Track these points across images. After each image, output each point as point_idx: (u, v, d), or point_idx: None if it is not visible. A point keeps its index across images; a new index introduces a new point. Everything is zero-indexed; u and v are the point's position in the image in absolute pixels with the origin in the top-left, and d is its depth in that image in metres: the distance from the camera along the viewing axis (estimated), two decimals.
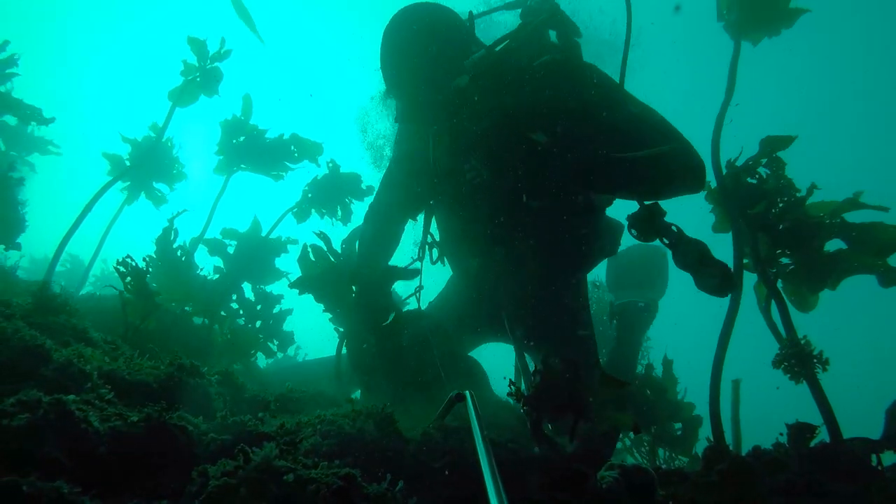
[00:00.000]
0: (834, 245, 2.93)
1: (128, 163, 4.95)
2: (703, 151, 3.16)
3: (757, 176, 2.99)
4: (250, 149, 5.09)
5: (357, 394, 4.38)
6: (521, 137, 2.71)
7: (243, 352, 4.01)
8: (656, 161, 2.50)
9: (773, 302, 2.90)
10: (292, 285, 3.47)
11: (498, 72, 2.76)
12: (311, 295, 3.47)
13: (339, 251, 3.61)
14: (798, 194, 2.90)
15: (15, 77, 4.69)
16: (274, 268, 4.58)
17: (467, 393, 1.59)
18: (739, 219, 3.03)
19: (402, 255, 3.64)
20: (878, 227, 2.78)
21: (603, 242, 3.23)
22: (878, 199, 2.81)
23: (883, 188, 3.00)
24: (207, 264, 4.31)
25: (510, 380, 2.08)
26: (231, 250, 4.61)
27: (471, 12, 3.06)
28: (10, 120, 4.94)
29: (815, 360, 2.55)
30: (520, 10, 3.01)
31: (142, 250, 3.48)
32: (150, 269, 3.62)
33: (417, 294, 3.41)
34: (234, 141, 5.09)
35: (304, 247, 3.56)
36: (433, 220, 3.40)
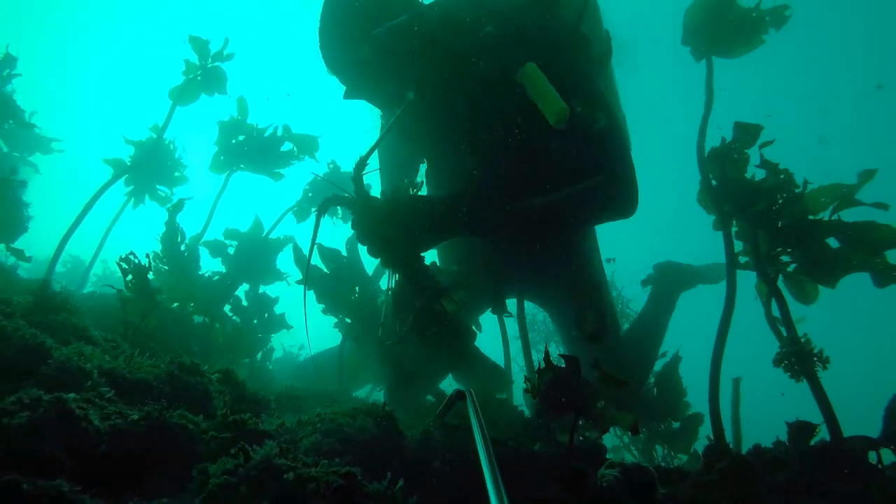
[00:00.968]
0: (832, 244, 2.93)
1: (128, 162, 4.95)
2: (691, 154, 3.19)
3: (753, 175, 3.01)
4: (248, 148, 5.11)
5: (360, 392, 4.38)
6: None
7: (244, 350, 4.01)
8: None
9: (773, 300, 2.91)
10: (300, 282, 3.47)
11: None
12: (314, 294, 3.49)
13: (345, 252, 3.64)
14: (797, 190, 2.90)
15: (15, 78, 4.71)
16: (274, 268, 4.60)
17: (468, 392, 1.59)
18: (731, 218, 3.06)
19: None
20: (872, 226, 2.79)
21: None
22: (878, 198, 2.81)
23: (883, 185, 2.99)
24: (207, 264, 4.31)
25: (525, 375, 2.07)
26: (232, 251, 4.62)
27: None
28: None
29: (815, 359, 2.55)
30: None
31: (142, 250, 3.48)
32: (159, 265, 3.67)
33: None
34: (234, 140, 5.11)
35: (296, 247, 3.58)
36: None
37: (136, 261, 2.92)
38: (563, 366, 1.94)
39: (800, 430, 2.27)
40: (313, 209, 5.06)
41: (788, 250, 2.98)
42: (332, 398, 2.91)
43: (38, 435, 1.21)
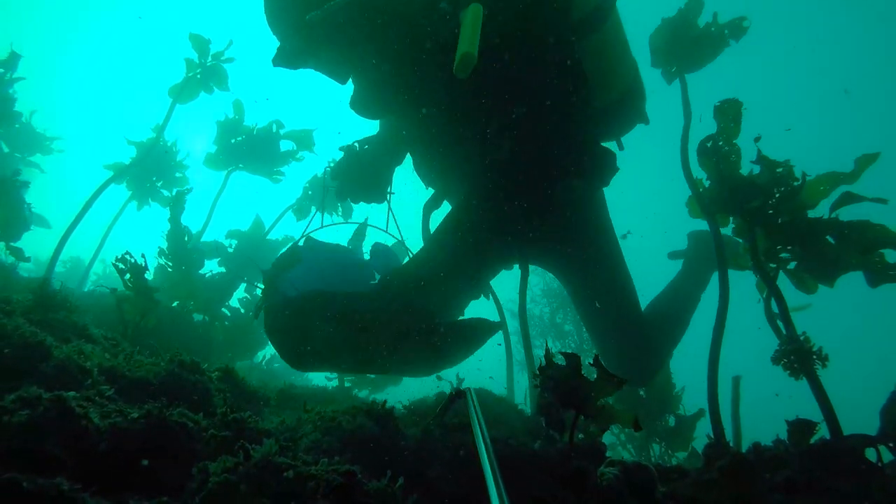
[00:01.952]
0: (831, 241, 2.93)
1: (128, 162, 4.98)
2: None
3: (751, 171, 3.01)
4: (246, 148, 5.15)
5: (363, 392, 4.39)
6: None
7: (244, 348, 4.03)
8: None
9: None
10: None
11: None
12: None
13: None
14: (795, 183, 2.90)
15: (18, 81, 4.77)
16: None
17: (468, 390, 1.60)
18: (726, 216, 3.09)
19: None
20: (866, 226, 2.79)
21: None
22: (878, 192, 2.80)
23: (882, 181, 3.00)
24: (207, 264, 4.32)
25: (537, 369, 2.05)
26: (231, 250, 4.64)
27: None
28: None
29: (814, 357, 2.55)
30: None
31: (141, 250, 3.49)
32: (165, 262, 3.70)
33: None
34: (232, 140, 5.14)
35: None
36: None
37: (132, 260, 2.93)
38: (564, 364, 1.94)
39: (800, 428, 2.27)
40: (313, 206, 5.08)
41: (788, 248, 2.98)
42: (332, 396, 2.91)
43: (38, 433, 1.21)
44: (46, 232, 5.52)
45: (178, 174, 5.29)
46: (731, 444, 2.73)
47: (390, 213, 3.67)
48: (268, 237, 5.17)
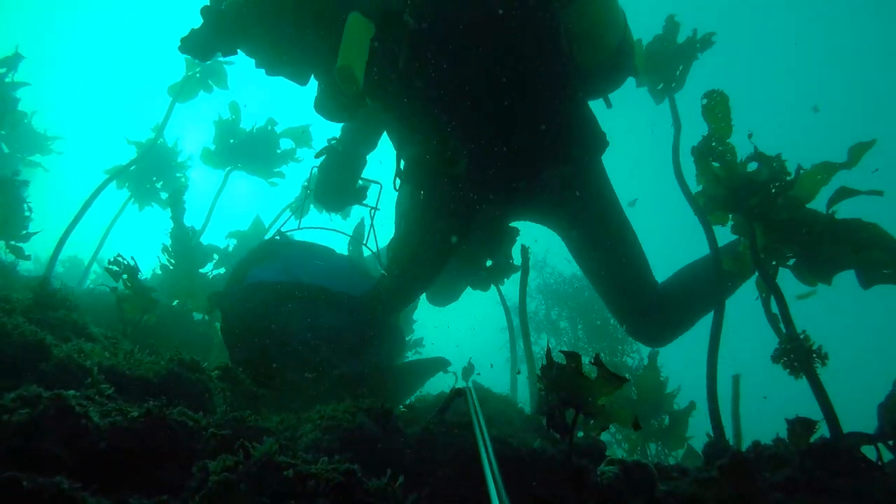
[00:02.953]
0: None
1: (132, 168, 5.01)
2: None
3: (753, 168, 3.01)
4: (245, 149, 5.17)
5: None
6: None
7: None
8: None
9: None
10: None
11: None
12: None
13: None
14: (788, 178, 2.90)
15: (22, 86, 4.82)
16: None
17: (468, 388, 1.60)
18: (725, 213, 3.11)
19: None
20: (858, 225, 2.78)
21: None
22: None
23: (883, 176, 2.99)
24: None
25: (539, 369, 2.04)
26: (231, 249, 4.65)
27: None
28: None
29: (814, 355, 2.55)
30: None
31: (142, 250, 3.50)
32: (168, 261, 3.72)
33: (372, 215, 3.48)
34: (231, 141, 5.17)
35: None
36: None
37: (125, 262, 2.93)
38: (565, 362, 1.94)
39: (800, 426, 2.27)
40: (312, 206, 5.09)
41: (786, 244, 2.98)
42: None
43: (37, 432, 1.21)
44: (46, 231, 5.54)
45: (178, 174, 5.30)
46: (731, 443, 2.73)
47: (372, 229, 3.66)
48: (270, 231, 5.18)
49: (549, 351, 1.92)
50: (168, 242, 3.88)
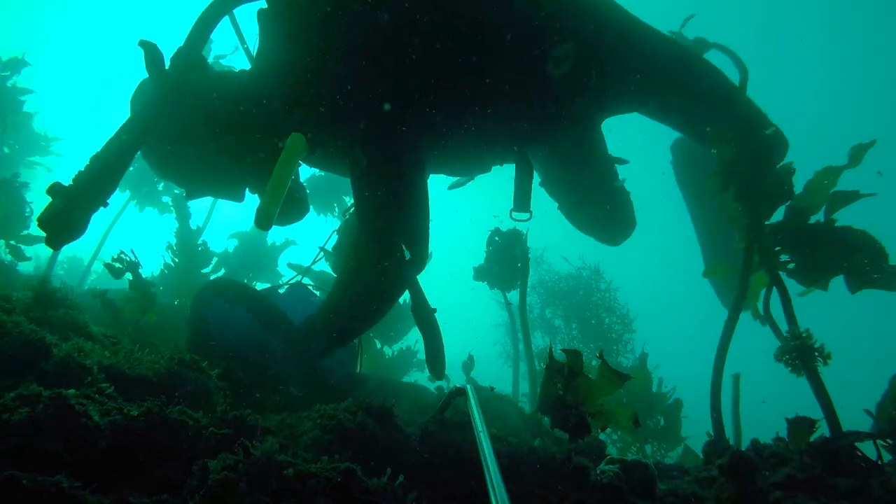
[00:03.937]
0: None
1: (131, 169, 5.03)
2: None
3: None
4: None
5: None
6: None
7: None
8: None
9: (771, 298, 2.91)
10: None
11: None
12: None
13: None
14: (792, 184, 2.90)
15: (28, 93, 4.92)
16: (275, 269, 4.68)
17: (468, 387, 1.59)
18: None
19: None
20: (848, 231, 2.81)
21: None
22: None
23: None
24: None
25: (545, 367, 2.03)
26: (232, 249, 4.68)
27: None
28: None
29: (816, 354, 2.54)
30: None
31: (142, 251, 3.51)
32: (172, 260, 3.74)
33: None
34: None
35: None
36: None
37: (128, 259, 2.93)
38: (566, 361, 1.95)
39: (800, 425, 2.27)
40: (311, 207, 5.11)
41: (787, 249, 2.98)
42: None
43: (38, 431, 1.21)
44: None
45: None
46: (730, 442, 2.73)
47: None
48: (269, 240, 5.20)
49: (550, 351, 1.93)
50: (173, 241, 3.92)
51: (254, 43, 2.71)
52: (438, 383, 4.16)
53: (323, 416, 1.75)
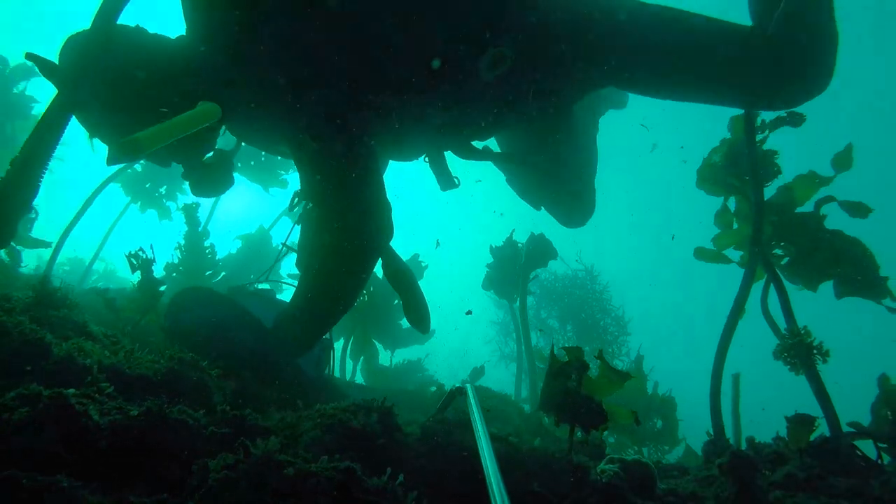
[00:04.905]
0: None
1: (139, 168, 5.05)
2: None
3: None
4: (244, 153, 5.22)
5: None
6: None
7: None
8: None
9: (769, 297, 2.92)
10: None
11: None
12: None
13: None
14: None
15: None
16: (276, 273, 4.69)
17: (468, 387, 1.60)
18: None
19: None
20: (837, 236, 2.84)
21: None
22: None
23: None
24: None
25: (549, 367, 2.03)
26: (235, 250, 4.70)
27: None
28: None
29: (815, 351, 2.55)
30: None
31: (142, 249, 3.51)
32: (181, 259, 3.75)
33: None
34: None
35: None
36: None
37: (144, 256, 2.92)
38: (567, 360, 1.95)
39: (799, 424, 2.27)
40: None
41: (782, 244, 2.99)
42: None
43: (37, 430, 1.21)
44: (47, 231, 5.56)
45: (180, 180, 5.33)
46: (730, 442, 2.73)
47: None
48: (271, 242, 5.22)
49: (552, 351, 1.93)
50: (181, 241, 3.94)
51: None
52: (438, 384, 4.16)
53: (323, 415, 1.75)
